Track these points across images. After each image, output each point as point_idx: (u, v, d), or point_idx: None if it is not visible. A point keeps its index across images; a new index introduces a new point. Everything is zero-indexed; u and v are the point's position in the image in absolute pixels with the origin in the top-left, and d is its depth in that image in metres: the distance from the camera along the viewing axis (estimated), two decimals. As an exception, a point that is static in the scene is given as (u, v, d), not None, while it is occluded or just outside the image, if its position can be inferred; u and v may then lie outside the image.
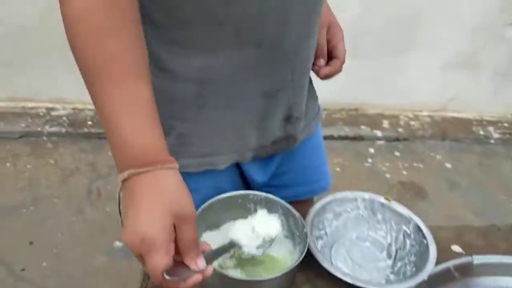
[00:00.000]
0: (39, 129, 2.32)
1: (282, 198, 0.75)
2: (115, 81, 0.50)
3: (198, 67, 0.63)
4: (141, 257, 0.49)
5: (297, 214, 0.73)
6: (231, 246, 0.65)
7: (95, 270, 1.51)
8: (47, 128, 2.32)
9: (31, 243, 1.64)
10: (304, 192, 0.87)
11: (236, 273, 0.68)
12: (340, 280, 0.70)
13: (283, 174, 0.83)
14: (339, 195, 0.81)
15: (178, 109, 0.66)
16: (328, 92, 2.33)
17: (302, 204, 0.80)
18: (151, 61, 0.54)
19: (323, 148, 0.92)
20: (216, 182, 0.76)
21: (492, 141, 2.47)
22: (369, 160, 2.28)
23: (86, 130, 2.33)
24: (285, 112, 0.71)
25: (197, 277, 0.51)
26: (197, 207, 0.78)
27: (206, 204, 0.73)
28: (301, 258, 0.66)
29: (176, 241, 0.50)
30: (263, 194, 0.76)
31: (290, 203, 0.75)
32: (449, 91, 2.53)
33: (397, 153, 2.34)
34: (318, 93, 0.85)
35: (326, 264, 0.69)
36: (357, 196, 0.81)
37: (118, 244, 1.61)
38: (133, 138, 0.50)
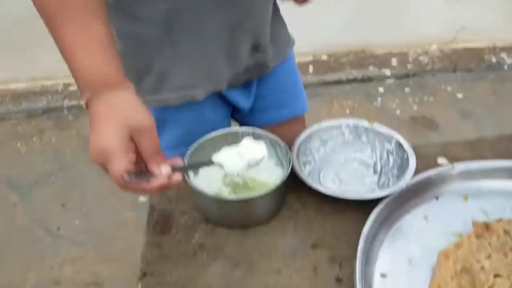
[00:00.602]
0: (59, 104, 2.43)
1: (268, 123, 0.81)
2: (68, 18, 0.56)
3: (164, 10, 0.68)
4: (105, 169, 0.56)
5: (282, 143, 0.78)
6: (209, 163, 0.70)
7: (123, 224, 1.64)
8: (66, 102, 2.43)
9: (63, 205, 1.77)
10: (286, 113, 0.95)
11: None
12: (327, 196, 0.77)
13: (263, 98, 0.90)
14: (324, 124, 0.86)
15: (152, 49, 0.72)
16: (333, 36, 2.35)
17: (289, 126, 0.88)
18: (122, 11, 0.59)
19: (297, 72, 0.99)
20: (198, 113, 0.82)
21: (505, 67, 2.43)
22: (379, 99, 2.29)
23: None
24: (252, 42, 0.76)
25: (161, 180, 0.58)
26: (180, 138, 0.86)
27: (195, 143, 0.79)
28: (286, 176, 0.72)
29: (138, 153, 0.57)
30: (250, 129, 0.82)
31: (278, 128, 0.80)
32: (458, 22, 2.48)
33: (407, 90, 2.34)
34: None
35: (311, 182, 0.74)
36: (342, 123, 0.86)
37: (142, 199, 1.72)
38: (87, 64, 0.56)
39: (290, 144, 0.79)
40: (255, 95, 0.89)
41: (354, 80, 2.40)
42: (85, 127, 2.24)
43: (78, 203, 1.78)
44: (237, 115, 0.97)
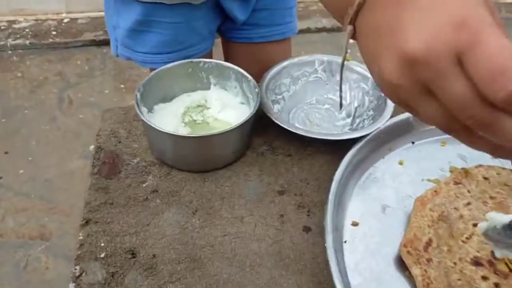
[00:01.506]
0: (2, 42, 2.21)
1: (257, 40, 0.77)
2: None
3: None
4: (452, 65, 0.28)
5: (249, 77, 0.69)
6: None
7: (71, 173, 1.52)
8: (10, 41, 2.22)
9: (6, 153, 1.63)
10: (278, 32, 0.92)
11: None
12: (297, 139, 0.70)
13: (259, 12, 0.86)
14: (296, 58, 0.77)
15: None
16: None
17: (278, 46, 0.86)
18: None
19: None
20: (189, 18, 0.77)
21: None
22: (348, 50, 2.21)
23: (51, 40, 2.22)
24: None
25: None
26: (163, 43, 0.82)
27: (153, 73, 0.70)
28: (252, 113, 0.64)
29: None
30: (213, 61, 0.72)
31: (267, 47, 0.73)
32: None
33: (376, 41, 2.27)
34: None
35: (280, 122, 0.67)
36: (315, 58, 0.78)
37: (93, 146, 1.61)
38: None
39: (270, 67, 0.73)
40: (253, 9, 0.84)
41: (323, 30, 2.31)
42: (31, 69, 2.06)
43: (23, 151, 1.63)
44: (225, 28, 0.91)
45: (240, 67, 0.71)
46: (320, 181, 0.66)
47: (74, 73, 2.00)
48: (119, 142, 0.71)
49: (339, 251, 0.56)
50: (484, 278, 0.52)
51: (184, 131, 0.69)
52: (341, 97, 0.61)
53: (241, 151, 0.68)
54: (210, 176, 0.66)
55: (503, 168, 0.63)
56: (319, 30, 2.30)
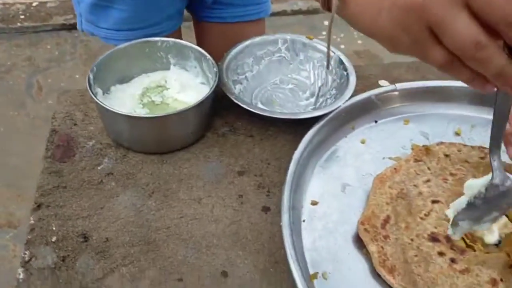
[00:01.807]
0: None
1: (229, 20, 0.76)
2: None
3: None
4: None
5: (208, 56, 0.67)
6: None
7: (39, 160, 1.48)
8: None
9: (-29, 140, 1.58)
10: (252, 12, 0.90)
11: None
12: (259, 120, 0.68)
13: None
14: (258, 38, 0.76)
15: None
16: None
17: (251, 27, 0.85)
18: None
19: None
20: None
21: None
22: (323, 32, 2.20)
23: (19, 24, 2.15)
24: None
25: None
26: (126, 20, 0.80)
27: (107, 54, 0.67)
28: (209, 93, 0.62)
29: None
30: (171, 40, 0.70)
31: (239, 27, 0.78)
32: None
33: (352, 24, 2.26)
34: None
35: (241, 102, 0.65)
36: (278, 37, 0.76)
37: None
38: None
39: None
40: None
41: (299, 12, 2.28)
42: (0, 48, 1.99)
43: (-11, 137, 1.59)
44: (196, 7, 0.89)
45: (212, 48, 0.69)
46: (281, 161, 0.64)
47: (44, 58, 1.94)
48: (75, 124, 0.68)
49: (297, 230, 0.55)
50: (441, 253, 0.52)
51: (142, 112, 0.66)
52: (328, 54, 0.60)
53: (200, 132, 0.66)
54: (168, 158, 0.64)
55: (464, 145, 0.63)
56: (294, 13, 2.28)
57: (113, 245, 0.54)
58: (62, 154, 0.64)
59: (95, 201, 0.59)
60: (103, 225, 0.56)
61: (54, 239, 0.54)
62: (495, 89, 0.35)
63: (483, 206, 0.42)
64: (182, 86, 0.70)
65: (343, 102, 0.65)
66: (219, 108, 0.69)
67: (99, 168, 0.62)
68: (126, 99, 0.69)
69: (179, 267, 0.52)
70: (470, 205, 0.43)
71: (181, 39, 0.79)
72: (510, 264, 0.50)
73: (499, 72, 0.32)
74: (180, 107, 0.67)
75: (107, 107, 0.60)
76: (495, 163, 0.40)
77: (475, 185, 0.43)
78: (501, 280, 0.49)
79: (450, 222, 0.47)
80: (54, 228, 0.55)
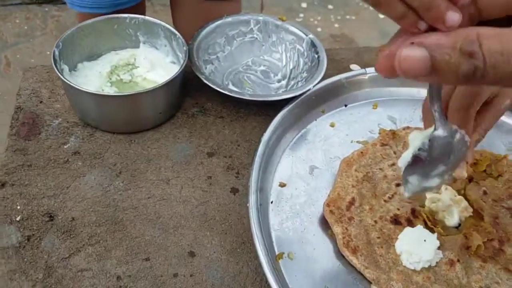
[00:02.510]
0: None
1: None
2: None
3: None
4: None
5: (178, 34, 0.66)
6: None
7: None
8: None
9: None
10: None
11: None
12: (230, 101, 0.68)
13: None
14: (230, 18, 0.75)
15: None
16: None
17: (228, 3, 0.83)
18: None
19: None
20: None
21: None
22: (301, 15, 2.20)
23: (-14, -4, 2.06)
24: None
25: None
26: None
27: (73, 29, 0.65)
28: (179, 72, 0.61)
29: None
30: (140, 17, 0.69)
31: (217, 1, 0.76)
32: None
33: (330, 6, 2.26)
34: None
35: (211, 83, 0.65)
36: (250, 18, 0.75)
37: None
38: None
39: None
40: None
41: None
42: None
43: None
44: None
45: (188, 26, 0.67)
46: (251, 143, 0.65)
47: (13, 33, 1.87)
48: (41, 102, 0.67)
49: (264, 211, 0.56)
50: (402, 236, 0.53)
51: (110, 91, 0.65)
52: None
53: (169, 112, 0.66)
54: (136, 138, 0.63)
55: (429, 130, 0.65)
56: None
57: (79, 224, 0.54)
58: (27, 132, 0.63)
59: (61, 180, 0.58)
60: (69, 205, 0.55)
61: (18, 218, 0.54)
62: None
63: (428, 159, 0.40)
64: (152, 65, 0.69)
65: (313, 85, 0.65)
66: (190, 88, 0.69)
67: (65, 147, 0.61)
68: (94, 77, 0.67)
69: (146, 247, 0.52)
70: (415, 158, 0.40)
71: (145, 12, 0.77)
72: (468, 246, 0.52)
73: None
74: (149, 86, 0.66)
75: (73, 85, 0.58)
76: (436, 114, 0.37)
77: (419, 137, 0.40)
78: (458, 261, 0.51)
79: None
80: (18, 207, 0.55)
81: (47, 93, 0.68)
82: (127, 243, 0.53)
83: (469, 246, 0.52)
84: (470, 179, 0.59)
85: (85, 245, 0.52)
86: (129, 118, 0.62)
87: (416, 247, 0.51)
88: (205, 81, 0.64)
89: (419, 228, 0.53)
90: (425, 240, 0.52)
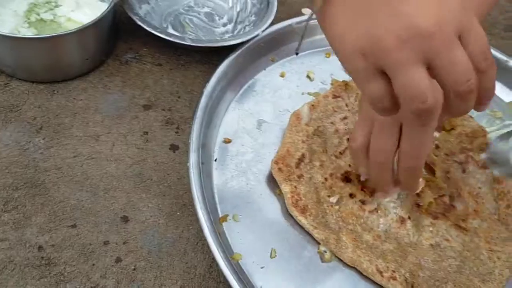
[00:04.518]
0: None
1: None
2: None
3: None
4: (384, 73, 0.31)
5: (108, -33, 0.57)
6: None
7: None
8: None
9: None
10: None
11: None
12: (169, 47, 0.61)
13: None
14: (169, -50, 0.66)
15: None
16: None
17: None
18: None
19: None
20: None
21: None
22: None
23: None
24: None
25: None
26: None
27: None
28: (107, 11, 0.53)
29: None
30: None
31: None
32: None
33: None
34: None
35: (147, 26, 0.57)
36: (193, -49, 0.67)
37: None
38: None
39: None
40: None
41: None
42: None
43: None
44: None
45: None
46: (193, 95, 0.59)
47: None
48: None
49: (207, 170, 0.51)
50: (352, 195, 0.50)
51: (27, 32, 0.56)
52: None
53: (98, 58, 0.58)
54: (60, 88, 0.55)
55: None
56: None
57: (-9, 189, 0.47)
58: None
59: (-32, 137, 0.50)
60: (-22, 166, 0.48)
61: None
62: None
63: None
64: (77, 3, 0.60)
65: (262, 30, 0.59)
66: (123, 31, 0.61)
67: (-26, 98, 0.53)
68: (8, 16, 0.57)
69: (72, 212, 0.46)
70: None
71: None
72: (418, 203, 0.50)
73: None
74: (74, 27, 0.58)
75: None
76: None
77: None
78: (409, 218, 0.49)
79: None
80: None
81: (-51, 34, 0.57)
82: (49, 209, 0.46)
83: (420, 203, 0.50)
84: (422, 133, 0.57)
85: (1, 211, 0.45)
86: (51, 65, 0.54)
87: None
88: (139, 23, 0.57)
89: None
90: None
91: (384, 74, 0.31)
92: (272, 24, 0.61)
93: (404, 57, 0.30)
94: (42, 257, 0.43)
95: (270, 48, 0.62)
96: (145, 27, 0.57)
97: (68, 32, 0.51)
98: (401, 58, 0.30)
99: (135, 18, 0.57)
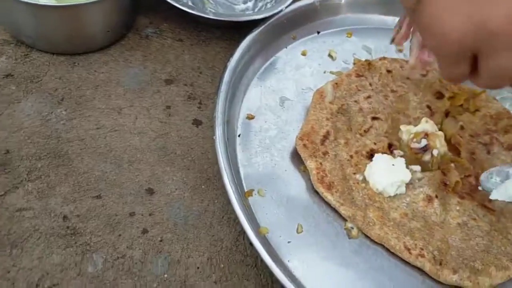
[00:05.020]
0: None
1: None
2: None
3: None
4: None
5: None
6: None
7: None
8: None
9: None
10: None
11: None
12: (189, 21, 0.60)
13: None
14: None
15: None
16: None
17: None
18: None
19: None
20: None
21: None
22: None
23: None
24: None
25: None
26: None
27: None
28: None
29: None
30: None
31: None
32: None
33: None
34: None
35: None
36: None
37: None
38: None
39: None
40: None
41: None
42: None
43: None
44: None
45: None
46: (215, 70, 0.58)
47: None
48: (-40, 13, 0.55)
49: (231, 146, 0.50)
50: (378, 172, 0.50)
51: (48, 1, 0.55)
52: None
53: (119, 31, 0.57)
54: (80, 60, 0.54)
55: (406, 61, 0.60)
56: None
57: (15, 157, 0.46)
58: None
59: (-10, 107, 0.49)
60: (2, 135, 0.47)
61: None
62: None
63: None
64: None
65: (286, 5, 0.58)
66: (143, 4, 0.60)
67: (-6, 68, 0.52)
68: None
69: (97, 183, 0.46)
70: None
71: None
72: (444, 182, 0.49)
73: None
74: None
75: (2, -9, 0.48)
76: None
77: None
78: (436, 197, 0.48)
79: None
80: None
81: (-32, 3, 0.56)
82: (73, 179, 0.45)
83: (446, 182, 0.50)
84: (447, 114, 0.56)
85: (24, 180, 0.45)
86: (72, 36, 0.53)
87: (386, 172, 0.48)
88: (162, -4, 0.56)
89: (384, 156, 0.50)
90: (393, 165, 0.49)
91: (472, 58, 0.33)
92: (293, 1, 0.60)
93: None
94: (67, 227, 0.42)
95: (292, 26, 0.62)
96: (172, 2, 0.56)
97: (91, 1, 0.50)
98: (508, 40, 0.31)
99: (158, -9, 0.56)
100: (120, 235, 0.43)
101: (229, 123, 0.51)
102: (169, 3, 0.55)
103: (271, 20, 0.58)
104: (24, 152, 0.46)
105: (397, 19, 0.66)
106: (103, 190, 0.45)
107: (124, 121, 0.51)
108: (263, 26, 0.58)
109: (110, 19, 0.54)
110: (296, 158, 0.51)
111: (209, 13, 0.57)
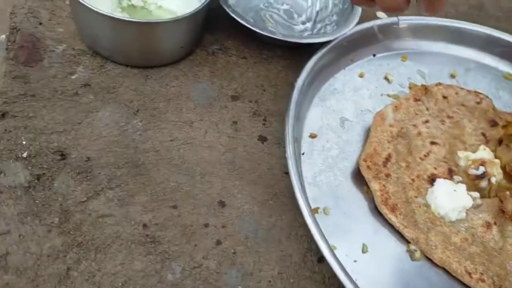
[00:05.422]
0: None
1: None
2: None
3: None
4: None
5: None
6: None
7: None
8: None
9: None
10: None
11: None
12: (252, 37, 0.62)
13: None
14: None
15: None
16: None
17: None
18: None
19: None
20: None
21: None
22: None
23: None
24: None
25: None
26: None
27: None
28: (204, 4, 0.54)
29: None
30: None
31: None
32: None
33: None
34: None
35: (236, 15, 0.58)
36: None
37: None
38: None
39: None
40: None
41: None
42: None
43: None
44: None
45: None
46: (277, 88, 0.60)
47: None
48: (40, 24, 0.58)
49: (297, 163, 0.52)
50: (439, 197, 0.51)
51: (121, 16, 0.58)
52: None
53: (190, 47, 0.59)
54: (152, 74, 0.57)
55: (461, 88, 0.62)
56: None
57: (96, 165, 0.48)
58: (27, 57, 0.54)
59: (71, 114, 0.51)
60: (82, 143, 0.49)
61: (25, 154, 0.47)
62: None
63: None
64: (168, -7, 0.61)
65: (349, 29, 0.61)
66: (211, 23, 0.62)
67: (72, 77, 0.54)
68: (101, 1, 0.59)
69: (173, 193, 0.48)
70: None
71: None
72: (502, 209, 0.51)
73: None
74: (164, 15, 0.59)
75: (85, 3, 0.50)
76: None
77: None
78: (495, 223, 0.50)
79: None
80: (24, 142, 0.48)
81: (47, 14, 0.59)
82: (151, 188, 0.48)
83: (504, 210, 0.51)
84: (500, 141, 0.58)
85: (104, 188, 0.47)
86: (148, 50, 0.55)
87: (449, 197, 0.50)
88: (232, 15, 0.58)
89: (445, 181, 0.52)
90: (455, 190, 0.51)
91: None
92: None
93: None
94: (147, 235, 0.45)
95: (351, 48, 0.64)
96: (237, 19, 0.58)
97: (170, 20, 0.53)
98: None
99: (228, 10, 0.58)
100: (196, 245, 0.45)
101: (295, 141, 0.53)
102: (232, 20, 0.58)
103: (333, 43, 0.60)
104: (104, 160, 0.49)
105: (449, 45, 0.69)
106: (179, 201, 0.47)
107: (195, 134, 0.53)
108: (326, 48, 0.60)
109: (186, 36, 0.56)
110: (359, 178, 0.53)
111: (278, 34, 0.59)
